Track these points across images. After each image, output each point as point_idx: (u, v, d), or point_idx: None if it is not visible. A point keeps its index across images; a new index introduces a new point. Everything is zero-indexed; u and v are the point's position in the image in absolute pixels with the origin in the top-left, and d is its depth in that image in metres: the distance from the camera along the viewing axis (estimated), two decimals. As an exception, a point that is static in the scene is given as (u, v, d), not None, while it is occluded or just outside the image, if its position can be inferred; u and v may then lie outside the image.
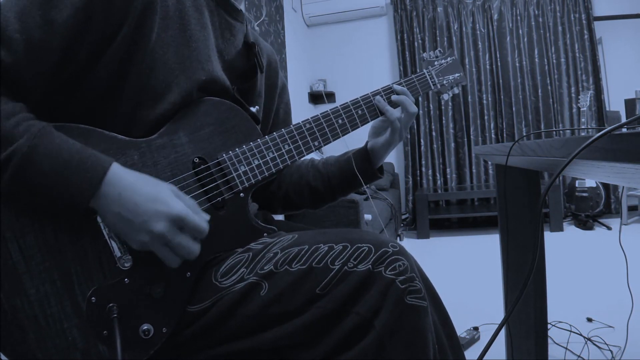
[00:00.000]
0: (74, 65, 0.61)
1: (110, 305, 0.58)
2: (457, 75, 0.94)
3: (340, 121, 0.78)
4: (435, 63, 0.92)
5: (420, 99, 4.06)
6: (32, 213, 0.56)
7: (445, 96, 0.95)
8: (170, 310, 0.61)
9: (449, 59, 0.93)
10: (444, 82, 0.92)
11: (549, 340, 1.38)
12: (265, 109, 0.89)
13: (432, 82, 0.90)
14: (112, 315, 0.57)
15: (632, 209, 3.71)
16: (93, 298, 0.57)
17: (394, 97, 0.82)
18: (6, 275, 0.54)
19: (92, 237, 0.58)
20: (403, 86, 0.85)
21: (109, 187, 0.55)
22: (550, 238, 3.11)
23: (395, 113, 0.81)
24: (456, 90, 0.95)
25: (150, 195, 0.56)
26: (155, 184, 0.58)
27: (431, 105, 4.12)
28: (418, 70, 0.91)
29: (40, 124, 0.55)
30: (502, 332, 1.32)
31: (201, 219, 0.59)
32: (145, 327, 0.59)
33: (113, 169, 0.56)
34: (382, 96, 0.82)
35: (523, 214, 1.19)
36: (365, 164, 0.87)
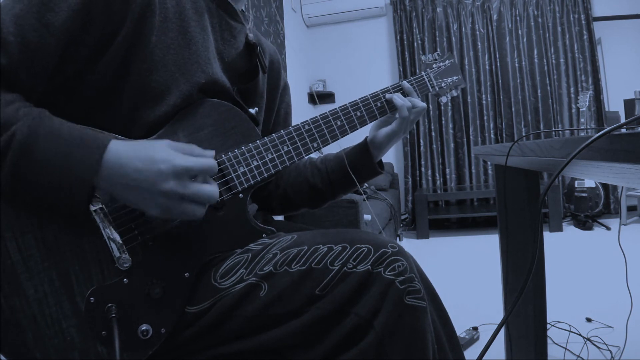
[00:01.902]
0: (72, 66, 0.61)
1: (109, 305, 0.57)
2: (455, 78, 0.93)
3: (338, 123, 0.78)
4: (434, 66, 0.92)
5: (419, 99, 4.06)
6: (32, 211, 0.56)
7: (444, 99, 0.95)
8: (169, 311, 0.60)
9: (447, 61, 0.93)
10: (442, 84, 0.92)
11: (549, 341, 1.38)
12: (267, 109, 0.89)
13: (430, 84, 0.90)
14: (111, 315, 0.57)
15: (631, 209, 3.71)
16: (92, 298, 0.57)
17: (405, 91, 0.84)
18: (5, 275, 0.54)
19: (91, 236, 0.58)
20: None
21: (110, 162, 0.55)
22: (549, 238, 3.12)
23: (407, 103, 0.82)
24: (455, 93, 0.95)
25: (148, 157, 0.56)
26: (151, 145, 0.58)
27: (430, 106, 4.12)
28: (418, 71, 0.91)
29: (39, 109, 0.56)
30: (502, 332, 1.32)
31: (205, 160, 0.59)
32: (144, 328, 0.59)
33: (112, 143, 0.56)
34: (390, 92, 0.83)
35: (522, 214, 1.19)
36: (365, 157, 0.86)
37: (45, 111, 0.56)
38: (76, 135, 0.55)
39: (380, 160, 0.89)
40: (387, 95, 0.82)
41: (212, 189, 0.59)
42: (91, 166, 0.54)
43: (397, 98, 0.82)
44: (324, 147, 0.77)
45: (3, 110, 0.53)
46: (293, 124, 0.76)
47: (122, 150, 0.56)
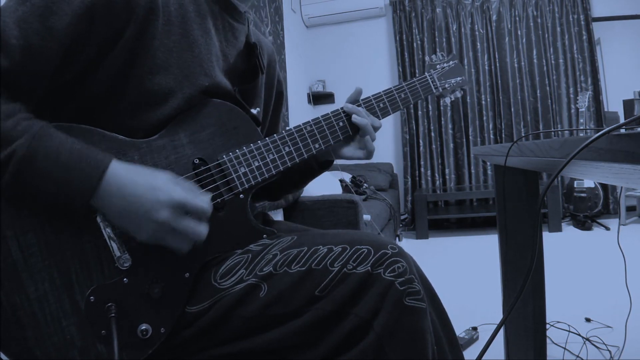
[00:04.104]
0: (74, 68, 0.61)
1: (109, 304, 0.58)
2: (459, 79, 0.93)
3: (340, 123, 0.78)
4: (438, 66, 0.92)
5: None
6: (33, 211, 0.56)
7: (447, 100, 0.94)
8: (169, 311, 0.61)
9: (451, 62, 0.93)
10: (446, 85, 0.92)
11: (548, 341, 1.38)
12: (264, 108, 0.89)
13: (433, 85, 0.90)
14: (110, 314, 0.57)
15: (630, 209, 3.71)
16: (92, 297, 0.57)
17: (353, 119, 0.78)
18: (6, 273, 0.54)
19: (92, 236, 0.58)
20: (405, 89, 0.85)
21: (108, 184, 0.56)
22: (548, 238, 3.12)
23: (368, 125, 0.79)
24: (458, 94, 0.95)
25: (149, 185, 0.57)
26: (153, 174, 0.59)
27: (430, 106, 4.13)
28: (417, 71, 0.91)
29: (39, 124, 0.56)
30: (501, 332, 1.32)
31: (202, 200, 0.60)
32: (144, 327, 0.59)
33: (112, 166, 0.57)
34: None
35: (522, 214, 1.19)
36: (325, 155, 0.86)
37: (47, 126, 0.56)
38: (76, 155, 0.55)
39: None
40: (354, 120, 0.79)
41: (202, 229, 0.60)
42: (89, 188, 0.55)
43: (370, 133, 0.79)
44: (326, 147, 0.77)
45: (3, 123, 0.53)
46: (293, 124, 0.76)
47: (123, 174, 0.57)
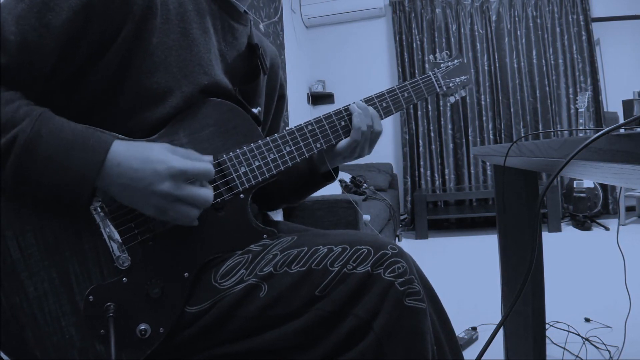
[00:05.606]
0: (71, 66, 0.61)
1: (108, 304, 0.58)
2: (463, 78, 0.92)
3: (342, 123, 0.78)
4: (442, 65, 0.91)
5: (418, 99, 4.06)
6: (32, 211, 0.56)
7: (452, 99, 0.94)
8: (168, 311, 0.61)
9: (455, 61, 0.92)
10: (450, 84, 0.91)
11: (547, 341, 1.38)
12: (265, 110, 0.89)
13: (437, 84, 0.89)
14: (109, 314, 0.57)
15: (629, 209, 3.72)
16: (91, 297, 0.57)
17: (354, 118, 0.77)
18: (5, 274, 0.54)
19: (91, 236, 0.58)
20: (408, 88, 0.85)
21: (110, 162, 0.56)
22: (548, 238, 3.12)
23: (363, 126, 0.77)
24: (463, 93, 0.94)
25: (146, 157, 0.57)
26: (149, 146, 0.59)
27: (429, 107, 4.13)
28: (417, 71, 0.91)
29: (40, 108, 0.56)
30: (501, 332, 1.33)
31: (202, 163, 0.59)
32: (143, 327, 0.59)
33: (115, 144, 0.57)
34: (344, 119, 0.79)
35: (521, 214, 1.20)
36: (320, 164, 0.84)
37: (47, 110, 0.57)
38: (78, 135, 0.56)
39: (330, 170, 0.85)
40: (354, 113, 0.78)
41: (207, 192, 0.60)
42: (94, 167, 0.55)
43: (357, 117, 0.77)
44: (327, 147, 0.77)
45: (3, 109, 0.53)
46: (293, 125, 0.76)
47: (122, 150, 0.57)
